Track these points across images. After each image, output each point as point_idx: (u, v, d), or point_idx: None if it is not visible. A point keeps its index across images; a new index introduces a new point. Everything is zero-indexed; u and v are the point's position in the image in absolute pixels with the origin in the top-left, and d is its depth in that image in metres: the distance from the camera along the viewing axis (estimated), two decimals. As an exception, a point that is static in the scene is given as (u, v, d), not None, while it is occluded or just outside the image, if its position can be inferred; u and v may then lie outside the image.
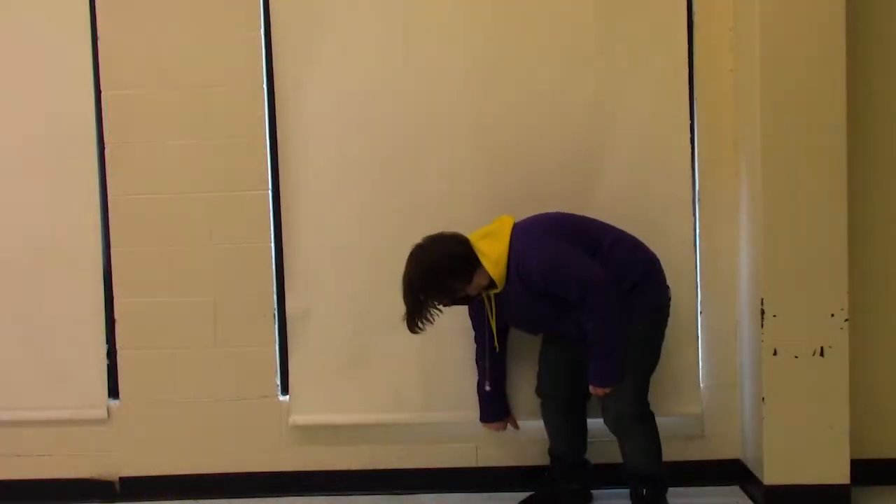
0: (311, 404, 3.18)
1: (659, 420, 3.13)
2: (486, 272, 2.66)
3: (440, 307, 2.69)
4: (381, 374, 3.15)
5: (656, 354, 2.81)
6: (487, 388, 2.94)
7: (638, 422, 2.80)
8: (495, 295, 2.75)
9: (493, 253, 2.66)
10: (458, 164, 3.10)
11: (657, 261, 2.79)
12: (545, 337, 2.97)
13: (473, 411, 3.04)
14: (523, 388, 3.07)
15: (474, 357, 3.00)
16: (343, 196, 3.16)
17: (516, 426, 3.08)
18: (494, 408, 3.01)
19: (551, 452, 3.03)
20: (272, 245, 3.18)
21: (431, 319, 2.68)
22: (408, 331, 2.68)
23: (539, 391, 2.99)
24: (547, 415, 3.00)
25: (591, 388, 2.70)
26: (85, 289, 3.19)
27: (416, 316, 2.65)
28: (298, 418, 3.18)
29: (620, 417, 2.79)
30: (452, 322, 2.93)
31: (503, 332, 2.92)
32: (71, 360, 3.21)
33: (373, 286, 3.09)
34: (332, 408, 3.18)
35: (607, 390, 2.67)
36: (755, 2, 2.85)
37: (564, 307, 2.67)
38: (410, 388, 3.15)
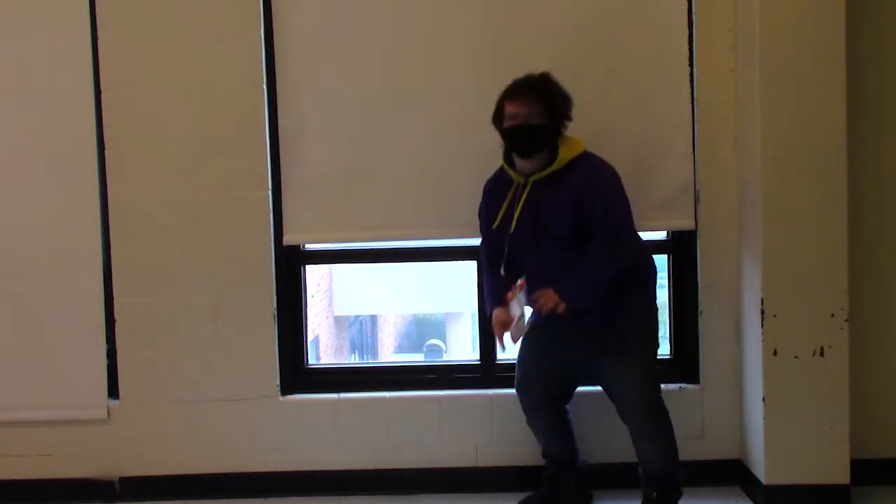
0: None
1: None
2: (553, 152, 2.66)
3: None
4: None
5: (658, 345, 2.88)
6: (502, 272, 2.78)
7: (653, 412, 2.80)
8: (529, 192, 2.68)
9: (569, 146, 2.67)
10: (467, 163, 3.10)
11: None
12: (528, 335, 2.83)
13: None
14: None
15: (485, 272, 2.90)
16: (345, 194, 3.17)
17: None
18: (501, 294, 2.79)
19: (547, 454, 3.00)
20: (272, 245, 3.18)
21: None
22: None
23: (526, 399, 2.93)
24: (537, 422, 2.96)
25: (544, 298, 2.60)
26: (85, 289, 3.19)
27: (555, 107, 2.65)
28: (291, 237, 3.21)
29: (636, 407, 2.79)
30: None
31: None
32: (71, 360, 3.21)
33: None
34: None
35: (557, 306, 2.59)
36: (755, 2, 2.86)
37: (571, 252, 2.64)
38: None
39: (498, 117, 2.69)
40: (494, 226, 2.77)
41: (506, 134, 2.67)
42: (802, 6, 2.83)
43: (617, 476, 3.02)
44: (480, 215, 2.90)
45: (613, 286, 2.67)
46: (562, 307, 2.61)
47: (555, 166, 2.65)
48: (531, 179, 2.68)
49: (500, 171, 2.82)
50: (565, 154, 2.65)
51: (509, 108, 2.64)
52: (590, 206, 2.61)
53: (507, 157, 2.75)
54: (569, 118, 2.69)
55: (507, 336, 2.70)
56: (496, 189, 2.81)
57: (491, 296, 2.83)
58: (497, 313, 2.75)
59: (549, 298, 2.60)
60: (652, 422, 2.80)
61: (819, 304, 2.87)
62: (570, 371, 2.88)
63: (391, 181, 3.16)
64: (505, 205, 2.74)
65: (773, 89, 2.85)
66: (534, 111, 2.61)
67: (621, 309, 2.73)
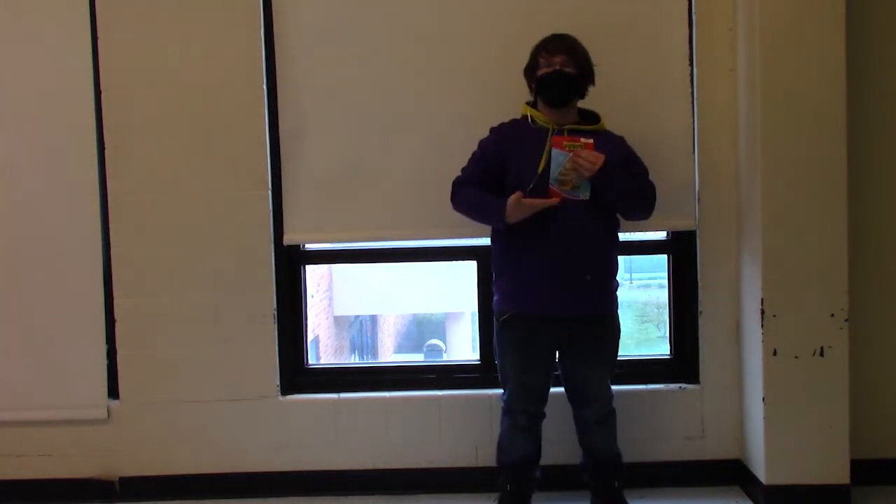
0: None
1: (659, 419, 3.15)
2: (579, 112, 2.79)
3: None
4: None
5: None
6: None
7: (612, 402, 2.83)
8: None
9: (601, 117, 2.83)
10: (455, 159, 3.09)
11: None
12: (515, 334, 2.78)
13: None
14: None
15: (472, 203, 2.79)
16: (345, 194, 3.17)
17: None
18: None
19: (521, 462, 2.83)
20: (272, 245, 3.18)
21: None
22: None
23: (532, 407, 2.79)
24: (534, 430, 2.83)
25: (592, 156, 2.59)
26: (85, 289, 3.19)
27: (588, 70, 2.75)
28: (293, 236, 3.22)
29: (608, 401, 2.81)
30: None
31: None
32: (71, 360, 3.20)
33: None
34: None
35: (597, 162, 2.59)
36: (755, 2, 2.86)
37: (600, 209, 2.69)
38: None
39: (531, 67, 2.76)
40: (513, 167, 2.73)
41: (541, 81, 2.72)
42: (802, 6, 2.83)
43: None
44: (485, 149, 2.80)
45: (605, 270, 2.73)
46: (595, 159, 2.59)
47: (597, 127, 2.76)
48: (566, 128, 2.71)
49: (519, 119, 2.81)
50: (604, 122, 2.80)
51: (544, 58, 2.72)
52: (633, 162, 2.80)
53: (533, 110, 2.79)
54: (593, 81, 2.78)
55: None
56: (516, 132, 2.77)
57: (490, 202, 2.71)
58: (516, 200, 2.61)
59: (597, 158, 2.60)
60: (612, 411, 2.82)
61: (819, 304, 2.87)
62: (555, 366, 2.84)
63: (391, 181, 3.16)
64: (534, 148, 2.71)
65: (773, 89, 2.85)
66: (567, 61, 2.70)
67: (608, 299, 2.77)
